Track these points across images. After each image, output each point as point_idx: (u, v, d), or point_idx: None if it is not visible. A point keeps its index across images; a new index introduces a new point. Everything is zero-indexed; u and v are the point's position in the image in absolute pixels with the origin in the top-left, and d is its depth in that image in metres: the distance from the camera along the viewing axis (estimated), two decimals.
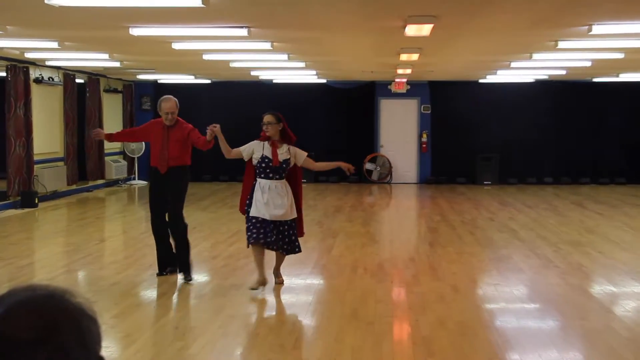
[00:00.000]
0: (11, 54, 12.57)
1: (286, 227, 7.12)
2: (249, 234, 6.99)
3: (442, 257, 8.98)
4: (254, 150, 7.09)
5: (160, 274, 7.63)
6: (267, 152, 7.02)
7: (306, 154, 7.23)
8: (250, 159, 7.13)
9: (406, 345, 5.64)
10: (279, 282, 7.39)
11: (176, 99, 7.50)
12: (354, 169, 7.46)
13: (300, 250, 7.37)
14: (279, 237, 7.07)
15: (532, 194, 16.59)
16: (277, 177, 7.03)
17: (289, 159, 7.09)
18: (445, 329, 5.87)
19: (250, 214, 6.99)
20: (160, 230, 7.56)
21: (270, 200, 6.94)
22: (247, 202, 7.11)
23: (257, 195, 6.98)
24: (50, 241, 10.64)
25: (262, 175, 7.02)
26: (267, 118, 7.06)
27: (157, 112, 7.58)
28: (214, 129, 7.06)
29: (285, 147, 7.09)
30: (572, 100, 18.64)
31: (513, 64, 13.94)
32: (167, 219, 7.53)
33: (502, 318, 6.37)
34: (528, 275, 8.10)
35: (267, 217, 6.93)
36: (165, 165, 7.37)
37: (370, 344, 5.49)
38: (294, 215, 7.14)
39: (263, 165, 7.01)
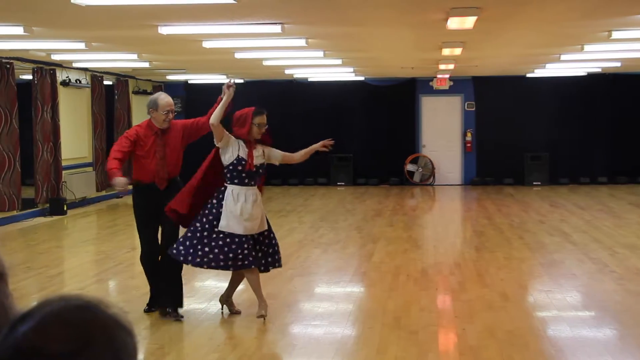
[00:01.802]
0: (37, 56, 12.80)
1: (265, 234, 6.52)
2: (232, 258, 6.23)
3: (489, 262, 8.92)
4: (231, 146, 6.31)
5: (150, 309, 6.76)
6: (243, 153, 6.29)
7: (281, 152, 6.60)
8: (219, 155, 6.37)
9: (452, 355, 5.61)
10: (236, 311, 6.77)
11: None
12: (331, 142, 6.63)
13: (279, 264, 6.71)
14: (259, 252, 6.47)
15: (585, 195, 16.37)
16: (253, 183, 6.37)
17: (264, 163, 6.46)
18: (494, 338, 5.82)
19: (220, 228, 6.24)
20: (154, 258, 6.62)
21: (244, 210, 6.24)
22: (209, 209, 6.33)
23: (229, 205, 6.25)
24: (80, 249, 10.81)
25: (236, 181, 6.29)
26: (264, 117, 6.33)
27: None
28: (227, 90, 6.15)
29: (260, 149, 6.42)
30: (627, 94, 18.34)
31: (563, 57, 13.78)
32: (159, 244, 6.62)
33: (555, 327, 6.29)
34: (582, 281, 8.00)
35: (240, 231, 6.22)
36: (166, 179, 6.49)
37: (415, 354, 5.47)
38: (265, 225, 6.50)
39: (239, 168, 6.28)
